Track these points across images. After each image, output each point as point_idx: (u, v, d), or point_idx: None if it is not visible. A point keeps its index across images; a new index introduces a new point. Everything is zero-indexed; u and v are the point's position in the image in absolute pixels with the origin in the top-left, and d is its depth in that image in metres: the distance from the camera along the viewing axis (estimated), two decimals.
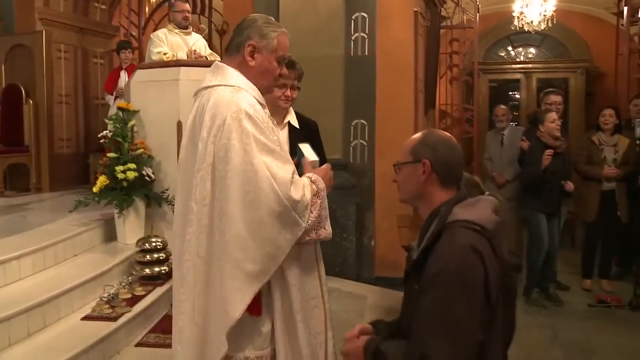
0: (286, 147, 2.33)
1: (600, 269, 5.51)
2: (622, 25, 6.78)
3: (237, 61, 2.05)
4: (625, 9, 6.58)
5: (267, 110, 2.09)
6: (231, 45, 2.09)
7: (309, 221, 1.97)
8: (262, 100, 2.07)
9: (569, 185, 5.04)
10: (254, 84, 2.05)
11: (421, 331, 1.57)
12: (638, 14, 6.84)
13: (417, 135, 1.80)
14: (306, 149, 2.24)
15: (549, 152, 4.88)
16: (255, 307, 2.00)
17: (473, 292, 1.53)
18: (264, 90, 2.11)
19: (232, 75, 2.02)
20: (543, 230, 5.03)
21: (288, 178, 1.92)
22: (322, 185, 2.05)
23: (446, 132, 1.83)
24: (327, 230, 2.04)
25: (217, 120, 1.91)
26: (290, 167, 1.98)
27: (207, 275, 1.95)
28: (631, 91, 6.39)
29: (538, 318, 4.76)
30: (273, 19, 2.13)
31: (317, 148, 2.55)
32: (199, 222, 1.94)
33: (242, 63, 2.04)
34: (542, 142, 4.99)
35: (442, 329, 1.52)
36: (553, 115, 4.99)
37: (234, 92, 1.97)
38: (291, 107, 2.85)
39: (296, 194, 1.93)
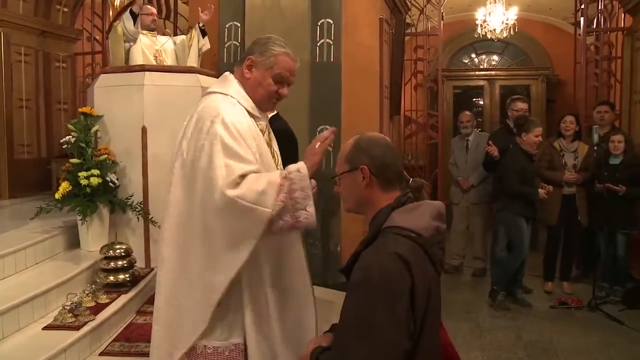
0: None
1: (561, 272, 5.66)
2: (580, 35, 6.98)
3: (239, 72, 2.19)
4: (582, 19, 6.78)
5: (262, 121, 2.23)
6: (240, 57, 2.25)
7: (277, 204, 1.94)
8: (255, 112, 2.18)
9: (548, 188, 5.11)
10: (250, 95, 2.17)
11: (341, 341, 1.55)
12: (594, 24, 7.07)
13: (349, 142, 1.77)
14: None
15: (548, 188, 5.03)
16: None
17: (397, 301, 1.48)
18: (259, 104, 2.20)
19: (231, 85, 2.16)
20: (525, 235, 5.12)
21: (233, 177, 1.93)
22: (296, 167, 2.00)
23: (377, 133, 1.82)
24: (307, 212, 1.98)
25: (199, 123, 2.04)
26: (248, 167, 1.98)
27: (181, 263, 2.07)
28: (589, 99, 6.59)
29: (503, 321, 4.87)
30: (283, 41, 2.19)
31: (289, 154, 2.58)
32: (179, 215, 2.07)
33: (241, 75, 2.18)
34: (522, 149, 5.09)
35: (363, 339, 1.48)
36: (540, 131, 5.07)
37: (224, 99, 2.10)
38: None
39: (239, 190, 1.93)
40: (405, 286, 1.50)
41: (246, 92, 2.16)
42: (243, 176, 1.96)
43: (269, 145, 2.25)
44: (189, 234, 2.05)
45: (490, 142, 5.43)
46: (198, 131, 2.02)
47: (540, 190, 5.02)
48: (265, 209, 1.93)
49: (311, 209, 1.99)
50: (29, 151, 6.79)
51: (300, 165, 2.01)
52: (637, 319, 4.76)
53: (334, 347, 1.61)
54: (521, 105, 5.70)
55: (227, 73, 2.23)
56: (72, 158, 4.20)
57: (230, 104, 2.09)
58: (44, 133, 7.04)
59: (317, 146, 2.04)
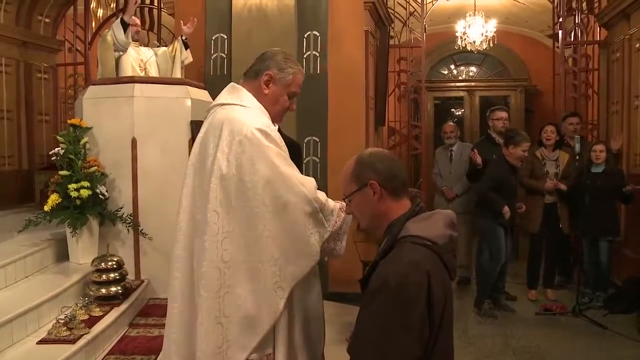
0: None
1: (544, 279, 5.76)
2: (558, 47, 7.17)
3: (253, 86, 2.21)
4: (560, 32, 6.98)
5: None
6: (251, 70, 2.25)
7: (333, 228, 2.14)
8: (271, 125, 2.21)
9: (522, 209, 5.33)
10: (266, 109, 2.21)
11: (357, 346, 1.61)
12: (571, 37, 7.28)
13: (350, 162, 1.81)
14: None
15: (520, 206, 5.29)
16: None
17: (412, 309, 1.53)
18: (272, 117, 2.24)
19: (247, 97, 2.19)
20: (502, 243, 5.20)
21: (314, 184, 2.12)
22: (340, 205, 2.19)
23: (375, 148, 1.89)
24: (342, 245, 2.22)
25: (237, 135, 2.05)
26: (311, 178, 2.17)
27: (234, 278, 2.05)
28: (568, 109, 6.76)
29: (490, 328, 4.94)
30: (293, 56, 2.27)
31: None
32: (222, 229, 2.05)
33: (257, 89, 2.20)
34: (506, 161, 5.18)
35: (376, 345, 1.53)
36: (528, 146, 5.13)
37: (250, 112, 2.14)
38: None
39: (322, 197, 2.13)
40: (422, 295, 1.54)
41: (262, 105, 2.21)
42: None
43: None
44: (234, 248, 2.05)
45: (475, 150, 5.51)
46: (238, 144, 2.04)
47: (505, 209, 5.07)
48: (328, 227, 2.13)
49: (344, 243, 2.23)
50: (9, 163, 6.71)
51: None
52: (619, 323, 4.88)
53: (351, 352, 1.65)
54: (500, 114, 5.83)
55: (234, 84, 2.25)
56: (61, 170, 4.16)
57: (258, 115, 2.15)
58: (25, 145, 6.96)
59: None
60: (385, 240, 1.71)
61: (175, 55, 5.09)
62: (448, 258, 1.65)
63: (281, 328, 2.12)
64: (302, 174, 3.43)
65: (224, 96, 2.23)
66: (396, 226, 1.70)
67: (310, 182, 2.13)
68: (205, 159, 2.11)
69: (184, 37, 5.09)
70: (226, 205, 2.05)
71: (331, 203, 2.17)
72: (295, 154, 3.13)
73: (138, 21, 5.26)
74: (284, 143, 2.19)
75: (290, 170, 2.09)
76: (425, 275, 1.55)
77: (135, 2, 4.81)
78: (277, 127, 2.31)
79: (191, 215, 2.17)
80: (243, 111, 2.13)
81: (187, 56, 5.15)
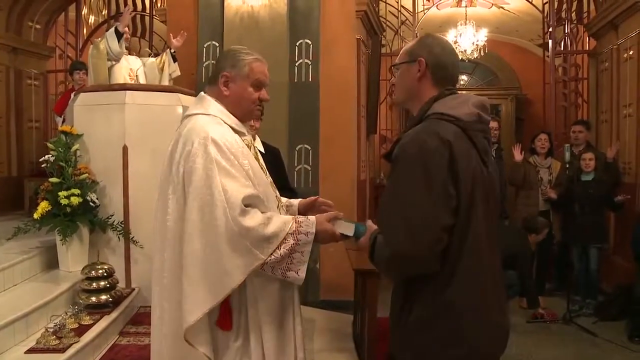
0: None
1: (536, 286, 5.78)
2: (548, 56, 7.24)
3: (215, 92, 2.13)
4: (550, 42, 7.05)
5: (247, 136, 2.17)
6: (211, 76, 2.19)
7: (273, 256, 1.93)
8: (241, 128, 2.15)
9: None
10: (232, 111, 2.13)
11: (383, 214, 1.62)
12: (561, 46, 7.35)
13: (415, 39, 1.84)
14: (345, 226, 2.07)
15: None
16: (225, 322, 2.03)
17: (433, 175, 1.54)
18: (245, 116, 2.18)
19: (210, 105, 2.12)
20: None
21: (238, 203, 1.92)
22: (307, 229, 1.98)
23: (443, 38, 1.87)
24: (297, 276, 1.96)
25: (187, 145, 1.98)
26: (247, 190, 1.97)
27: (171, 289, 2.01)
28: (558, 117, 6.82)
29: None
30: (247, 49, 2.17)
31: (279, 172, 2.65)
32: (172, 239, 2.01)
33: (219, 93, 2.12)
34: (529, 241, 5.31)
35: (400, 209, 1.56)
36: (546, 233, 5.35)
37: (209, 120, 2.06)
38: (257, 135, 3.03)
39: (248, 222, 1.91)
40: (442, 161, 1.55)
41: (228, 109, 2.12)
42: (247, 204, 1.93)
43: (257, 159, 2.21)
44: (178, 258, 1.99)
45: None
46: (187, 154, 1.97)
47: None
48: (261, 255, 1.92)
49: (302, 273, 1.97)
50: None
51: (312, 230, 1.98)
52: (609, 330, 4.90)
53: (381, 224, 1.67)
54: (492, 124, 5.85)
55: (202, 93, 2.19)
56: (51, 177, 4.14)
57: (217, 124, 2.06)
58: (15, 151, 6.93)
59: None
60: (412, 118, 1.73)
61: (163, 67, 5.07)
62: (475, 135, 1.65)
63: (255, 340, 2.05)
64: (286, 177, 3.45)
65: (191, 107, 2.18)
66: (425, 106, 1.72)
67: (234, 201, 1.91)
68: (170, 171, 2.06)
69: (172, 50, 5.07)
70: (176, 216, 2.01)
71: (272, 229, 1.94)
72: (272, 159, 3.14)
73: (127, 29, 5.24)
74: (247, 152, 2.09)
75: (225, 184, 1.92)
76: (446, 145, 1.56)
77: (130, 12, 4.80)
78: (248, 136, 2.20)
79: (160, 224, 2.11)
80: (204, 120, 2.06)
81: (175, 69, 5.13)
